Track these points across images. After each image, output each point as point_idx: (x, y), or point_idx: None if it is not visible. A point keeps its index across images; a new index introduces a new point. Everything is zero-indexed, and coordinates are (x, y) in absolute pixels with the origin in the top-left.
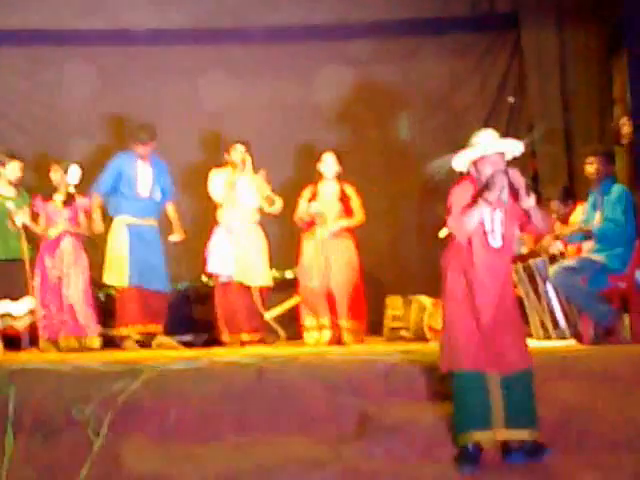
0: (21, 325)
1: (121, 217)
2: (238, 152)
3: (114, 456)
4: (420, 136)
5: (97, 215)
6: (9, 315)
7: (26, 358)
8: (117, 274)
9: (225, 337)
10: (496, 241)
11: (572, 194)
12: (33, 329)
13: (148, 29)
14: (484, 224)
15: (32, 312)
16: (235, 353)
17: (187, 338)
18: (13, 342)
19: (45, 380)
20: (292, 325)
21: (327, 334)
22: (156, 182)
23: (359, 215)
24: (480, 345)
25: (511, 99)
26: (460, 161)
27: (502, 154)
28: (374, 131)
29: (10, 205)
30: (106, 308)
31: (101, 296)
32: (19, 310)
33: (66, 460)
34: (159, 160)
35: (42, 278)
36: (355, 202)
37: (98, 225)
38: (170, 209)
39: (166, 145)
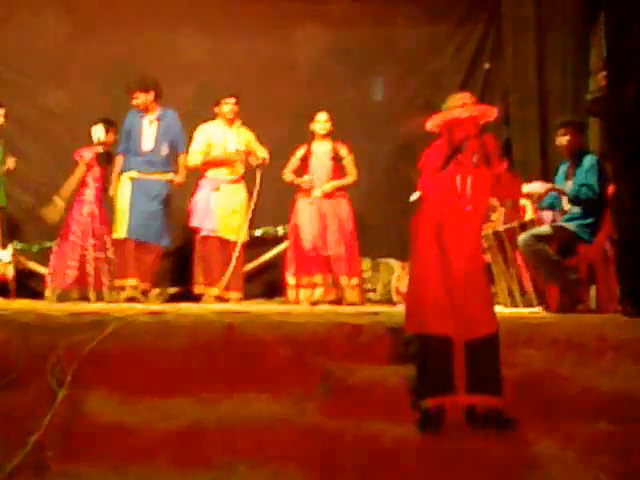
0: (9, 272)
1: (126, 173)
2: (229, 105)
3: (78, 406)
4: (395, 98)
5: (114, 176)
6: None
7: None
8: (118, 227)
9: (198, 289)
10: (467, 205)
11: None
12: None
13: None
14: (456, 188)
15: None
16: (204, 308)
17: (156, 290)
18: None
19: (10, 328)
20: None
21: (319, 291)
22: (162, 136)
23: (353, 174)
24: (446, 309)
25: (487, 65)
26: (434, 123)
27: (475, 119)
28: (348, 91)
29: None
30: None
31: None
32: (4, 257)
33: (29, 409)
34: (167, 113)
35: (66, 230)
36: (348, 161)
37: (113, 187)
38: (180, 160)
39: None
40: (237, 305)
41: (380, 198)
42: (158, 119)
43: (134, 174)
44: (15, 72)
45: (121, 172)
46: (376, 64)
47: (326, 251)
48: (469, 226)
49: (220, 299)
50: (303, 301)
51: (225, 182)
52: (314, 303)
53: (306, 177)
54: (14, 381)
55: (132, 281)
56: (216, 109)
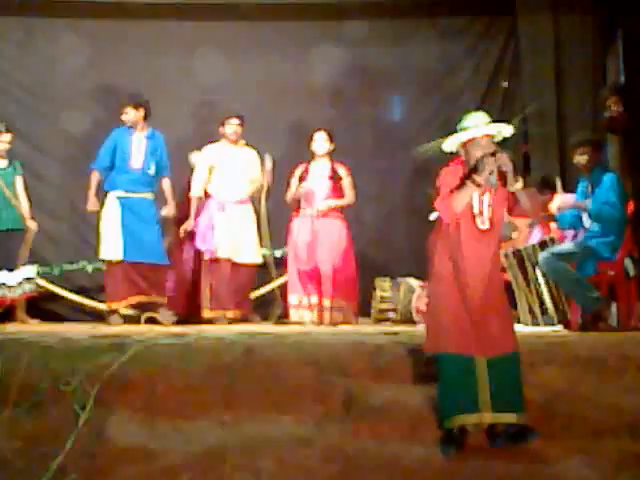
0: (16, 295)
1: (114, 191)
2: (232, 125)
3: (100, 430)
4: (413, 118)
5: (91, 192)
6: (4, 285)
7: (13, 329)
8: (110, 248)
9: (206, 313)
10: (484, 224)
11: (550, 184)
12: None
13: (144, 3)
14: (472, 207)
15: (28, 281)
16: (223, 330)
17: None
18: (6, 313)
19: (32, 351)
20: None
21: (313, 314)
22: (151, 155)
23: (350, 196)
24: (466, 328)
25: (505, 83)
26: (450, 143)
27: (492, 137)
28: (366, 111)
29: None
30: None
31: (89, 269)
32: (14, 280)
33: (52, 432)
34: (156, 134)
35: None
36: (346, 182)
37: (91, 203)
38: (165, 184)
39: (160, 119)
40: (257, 326)
41: (399, 217)
42: (147, 138)
43: (121, 193)
44: (33, 96)
45: (98, 190)
46: (393, 83)
47: (317, 269)
48: (487, 245)
49: (234, 321)
50: (307, 322)
51: (231, 203)
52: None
53: (304, 184)
54: (36, 405)
55: (133, 300)
56: (221, 129)
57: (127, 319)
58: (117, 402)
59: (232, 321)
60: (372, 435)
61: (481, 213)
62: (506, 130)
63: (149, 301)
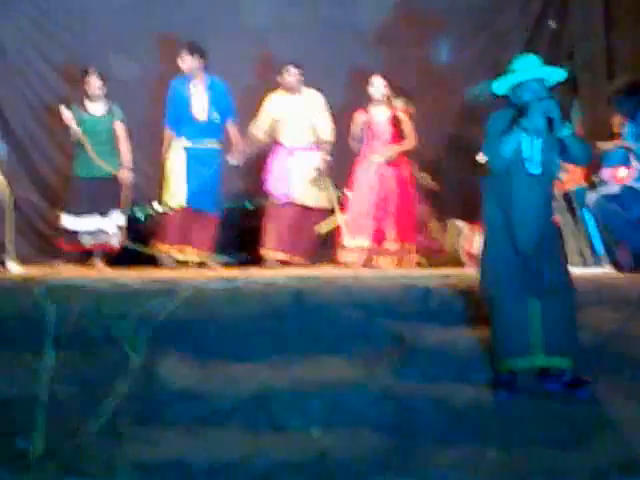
0: (115, 241)
1: (179, 141)
2: (292, 74)
3: (151, 373)
4: (461, 58)
5: (164, 149)
6: (102, 231)
7: (65, 274)
8: (173, 195)
9: (268, 254)
10: (535, 168)
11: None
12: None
13: None
14: (522, 151)
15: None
16: (273, 274)
17: (226, 258)
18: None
19: (84, 297)
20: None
21: (372, 256)
22: (213, 104)
23: (411, 139)
24: (519, 271)
25: (552, 24)
26: (499, 86)
27: (541, 81)
28: (414, 52)
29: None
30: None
31: (140, 215)
32: (111, 226)
33: (104, 376)
34: (217, 81)
35: None
36: (407, 126)
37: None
38: (231, 130)
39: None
40: (306, 270)
41: (447, 160)
42: (207, 86)
43: (187, 143)
44: (79, 38)
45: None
46: (441, 23)
47: (386, 215)
48: (538, 189)
49: (285, 263)
50: (356, 263)
51: (300, 149)
52: (365, 265)
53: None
54: (89, 349)
55: (185, 248)
56: (279, 78)
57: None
58: (168, 345)
59: (290, 264)
60: (422, 377)
61: (532, 157)
62: (557, 74)
63: (198, 255)
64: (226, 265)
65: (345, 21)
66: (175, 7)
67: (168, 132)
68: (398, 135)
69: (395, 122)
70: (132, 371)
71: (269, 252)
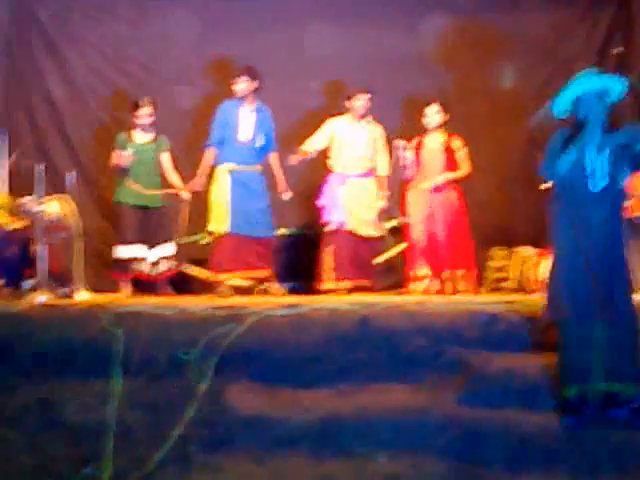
0: (153, 271)
1: (224, 165)
2: (361, 100)
3: (218, 399)
4: (525, 86)
5: (201, 171)
6: (142, 260)
7: (133, 301)
8: (219, 221)
9: (328, 285)
10: (596, 185)
11: None
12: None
13: None
14: (585, 168)
15: (168, 259)
16: (338, 300)
17: (287, 285)
18: (146, 287)
19: (151, 323)
20: (397, 274)
21: (435, 285)
22: (259, 129)
23: (465, 168)
24: (586, 295)
25: (616, 50)
26: (558, 103)
27: (601, 96)
28: (479, 81)
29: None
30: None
31: (203, 241)
32: (152, 256)
33: (171, 402)
34: (263, 108)
35: None
36: (461, 154)
37: (198, 183)
38: (273, 159)
39: (271, 94)
40: (371, 296)
41: (514, 186)
42: (256, 111)
43: (232, 166)
44: (145, 71)
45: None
46: (505, 52)
47: (434, 241)
48: (603, 207)
49: (350, 290)
50: (425, 292)
51: (353, 176)
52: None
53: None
54: (156, 375)
55: (241, 274)
56: (347, 103)
57: (237, 290)
58: (235, 372)
59: (351, 291)
60: (487, 403)
61: (593, 173)
62: (615, 82)
63: (256, 276)
64: (290, 292)
65: (408, 48)
66: (240, 39)
67: (211, 153)
68: (452, 163)
69: (449, 150)
70: (199, 398)
71: (330, 283)
